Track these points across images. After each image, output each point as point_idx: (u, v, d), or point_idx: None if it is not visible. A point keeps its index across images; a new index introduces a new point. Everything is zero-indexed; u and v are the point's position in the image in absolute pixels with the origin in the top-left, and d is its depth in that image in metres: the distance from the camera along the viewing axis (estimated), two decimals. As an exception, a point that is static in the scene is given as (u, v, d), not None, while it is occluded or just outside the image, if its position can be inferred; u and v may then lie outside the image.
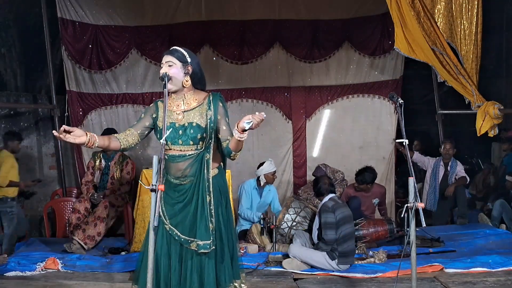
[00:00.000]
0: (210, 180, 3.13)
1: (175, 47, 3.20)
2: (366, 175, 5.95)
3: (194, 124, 3.11)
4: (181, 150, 3.14)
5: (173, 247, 3.15)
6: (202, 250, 3.06)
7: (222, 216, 3.17)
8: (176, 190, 3.18)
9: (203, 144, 3.14)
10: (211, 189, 3.13)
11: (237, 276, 3.25)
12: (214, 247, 3.09)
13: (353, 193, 6.05)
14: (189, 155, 3.13)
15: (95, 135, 3.03)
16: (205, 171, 3.13)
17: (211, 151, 3.16)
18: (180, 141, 3.12)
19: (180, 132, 3.11)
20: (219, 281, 3.14)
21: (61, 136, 2.86)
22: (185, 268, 3.11)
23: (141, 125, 3.26)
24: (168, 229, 3.14)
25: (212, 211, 3.12)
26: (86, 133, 2.96)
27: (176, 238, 3.12)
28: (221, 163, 3.33)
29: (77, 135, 2.91)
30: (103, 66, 6.96)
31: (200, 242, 3.07)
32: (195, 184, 3.14)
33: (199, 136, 3.10)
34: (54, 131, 2.93)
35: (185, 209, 3.15)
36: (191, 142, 3.11)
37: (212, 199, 3.13)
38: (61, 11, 6.78)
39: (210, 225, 3.09)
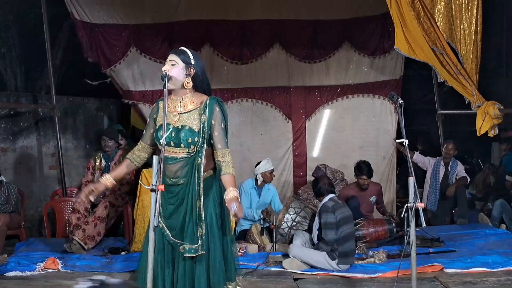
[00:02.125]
0: (201, 184, 3.08)
1: (182, 48, 3.18)
2: (367, 167, 5.93)
3: (187, 128, 3.08)
4: (173, 152, 3.10)
5: (167, 248, 3.14)
6: (187, 254, 3.04)
7: (216, 219, 3.11)
8: (168, 191, 3.14)
9: (194, 148, 3.08)
10: (201, 193, 3.07)
11: (231, 278, 3.19)
12: (203, 252, 3.04)
13: (351, 193, 6.04)
14: (180, 158, 3.10)
15: (108, 178, 3.24)
16: (196, 175, 3.08)
17: (203, 156, 3.09)
18: (172, 143, 3.08)
19: (173, 134, 3.08)
20: (212, 285, 3.08)
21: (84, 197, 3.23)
22: (177, 270, 3.10)
23: (148, 135, 3.30)
24: (160, 227, 3.12)
25: (202, 215, 3.06)
26: (103, 184, 3.23)
27: (167, 239, 3.12)
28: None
29: (99, 191, 3.23)
30: (103, 65, 6.94)
31: (186, 246, 3.05)
32: (186, 187, 3.11)
33: (189, 140, 3.06)
34: (81, 197, 3.26)
35: (177, 211, 3.13)
36: (182, 145, 3.08)
37: (202, 204, 3.07)
38: (76, 11, 6.70)
39: (199, 229, 3.04)
